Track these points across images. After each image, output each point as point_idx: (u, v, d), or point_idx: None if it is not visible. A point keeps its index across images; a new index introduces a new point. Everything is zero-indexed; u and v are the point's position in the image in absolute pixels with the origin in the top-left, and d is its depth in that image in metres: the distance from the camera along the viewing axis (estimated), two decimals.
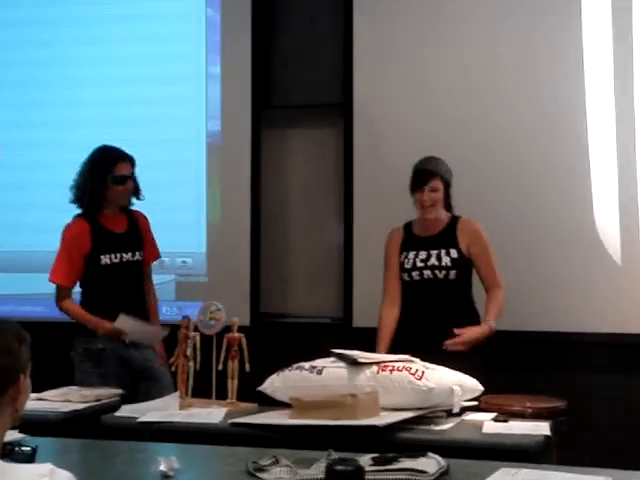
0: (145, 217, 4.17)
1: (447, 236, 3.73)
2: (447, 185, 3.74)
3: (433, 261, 3.70)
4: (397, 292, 3.78)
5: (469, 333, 3.60)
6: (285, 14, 4.97)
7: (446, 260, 3.69)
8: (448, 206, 3.80)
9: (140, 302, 4.06)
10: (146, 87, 4.94)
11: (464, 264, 3.70)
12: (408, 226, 3.84)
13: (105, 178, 3.95)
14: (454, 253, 3.69)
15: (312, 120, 4.99)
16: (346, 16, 4.76)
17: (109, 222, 4.02)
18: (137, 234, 4.10)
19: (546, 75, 4.46)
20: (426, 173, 3.70)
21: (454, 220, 3.76)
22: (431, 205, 3.70)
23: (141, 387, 3.87)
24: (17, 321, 1.82)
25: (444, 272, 3.68)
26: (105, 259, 3.96)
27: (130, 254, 4.02)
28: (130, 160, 4.01)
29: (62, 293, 4.00)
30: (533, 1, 4.49)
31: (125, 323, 3.83)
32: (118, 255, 3.99)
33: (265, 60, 4.95)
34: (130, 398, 3.52)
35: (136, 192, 4.08)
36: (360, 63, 4.72)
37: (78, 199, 4.00)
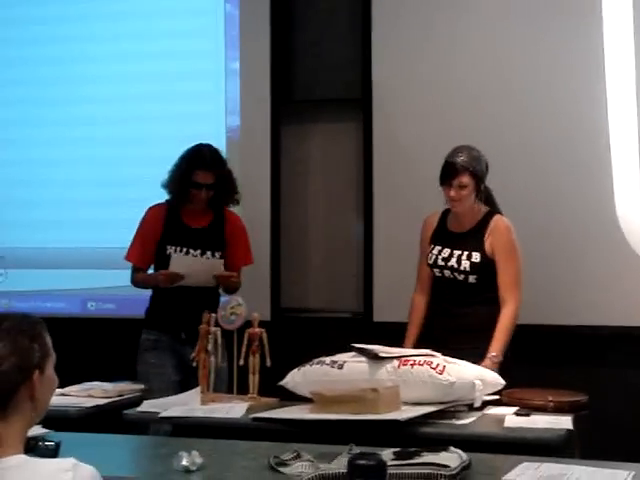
0: (239, 220, 4.12)
1: (474, 236, 3.60)
2: (479, 179, 3.57)
3: (453, 262, 3.59)
4: (428, 279, 3.72)
5: None
6: (304, 9, 4.96)
7: (465, 265, 3.56)
8: (488, 198, 3.66)
9: (205, 302, 3.79)
10: (165, 83, 4.95)
11: (488, 268, 3.56)
12: (444, 214, 3.71)
13: (185, 179, 3.95)
14: (476, 257, 3.56)
15: (331, 115, 4.99)
16: (365, 10, 4.75)
17: (188, 215, 4.01)
18: (218, 234, 4.02)
19: (569, 70, 4.44)
20: (454, 168, 3.54)
21: (488, 217, 3.62)
22: (459, 200, 3.57)
23: (192, 384, 3.63)
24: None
25: (463, 276, 3.58)
26: (170, 250, 3.94)
27: (199, 251, 3.97)
28: (212, 168, 3.95)
29: (133, 272, 4.06)
30: (556, 1, 4.47)
31: (179, 263, 3.84)
32: (184, 249, 3.96)
33: (284, 55, 4.95)
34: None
35: (221, 200, 4.03)
36: (379, 57, 4.71)
37: (167, 187, 4.02)
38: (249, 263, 4.17)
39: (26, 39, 5.18)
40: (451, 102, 4.60)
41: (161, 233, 3.97)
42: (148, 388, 3.62)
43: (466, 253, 3.58)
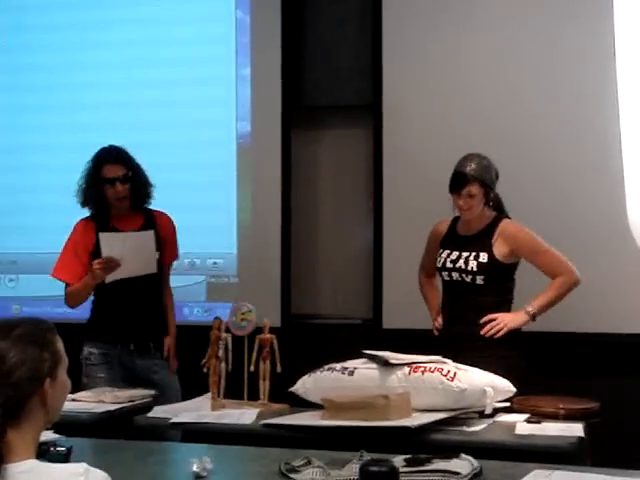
0: (168, 218, 4.05)
1: (482, 238, 3.62)
2: (488, 188, 3.60)
3: (461, 264, 3.60)
4: (432, 268, 3.77)
5: (502, 318, 3.54)
6: (314, 15, 4.98)
7: (473, 264, 3.57)
8: (497, 204, 3.68)
9: (153, 302, 3.93)
10: (176, 89, 4.97)
11: (496, 269, 3.57)
12: (455, 220, 3.74)
13: (98, 180, 3.87)
14: (484, 257, 3.57)
15: (342, 121, 4.99)
16: (375, 16, 4.76)
17: (119, 222, 3.92)
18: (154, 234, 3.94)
19: (580, 75, 4.45)
20: (463, 177, 3.57)
21: (496, 221, 3.64)
22: (468, 209, 3.60)
23: None
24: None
25: (470, 277, 3.58)
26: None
27: None
28: (119, 160, 3.88)
29: (66, 289, 3.91)
30: (565, 7, 4.47)
31: (110, 243, 3.72)
32: None
33: (295, 61, 4.96)
34: None
35: (141, 191, 3.94)
36: (389, 64, 4.72)
37: (84, 203, 3.94)
38: (176, 259, 4.11)
39: (37, 46, 5.20)
40: (462, 108, 4.60)
41: (94, 244, 3.85)
42: None
43: (474, 254, 3.59)
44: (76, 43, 5.13)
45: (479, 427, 2.89)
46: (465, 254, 3.61)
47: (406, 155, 4.69)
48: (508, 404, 3.06)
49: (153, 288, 3.94)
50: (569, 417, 2.97)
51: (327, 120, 5.03)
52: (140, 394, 3.52)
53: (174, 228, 4.07)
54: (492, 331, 3.52)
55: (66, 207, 5.04)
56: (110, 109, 5.04)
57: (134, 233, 3.86)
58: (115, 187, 3.85)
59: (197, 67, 4.95)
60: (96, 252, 3.83)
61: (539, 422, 2.91)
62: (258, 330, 3.34)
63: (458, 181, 3.58)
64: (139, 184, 3.94)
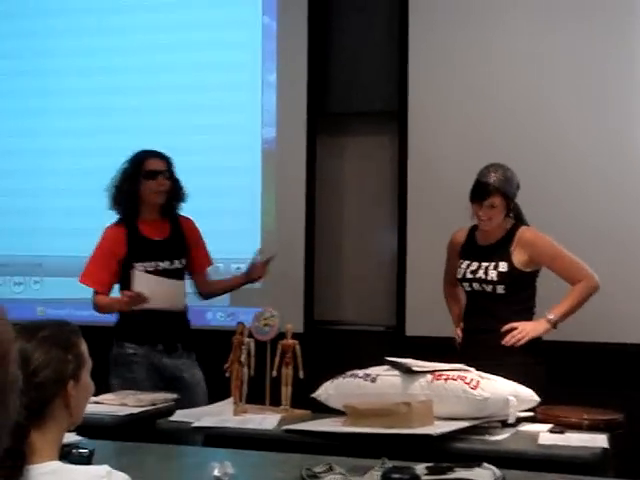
0: (193, 223, 4.06)
1: (501, 247, 3.61)
2: (509, 199, 3.58)
3: (481, 274, 3.59)
4: (455, 280, 3.75)
5: (522, 326, 3.52)
6: (341, 22, 4.98)
7: (492, 274, 3.56)
8: (516, 214, 3.66)
9: (180, 311, 3.97)
10: (202, 94, 4.99)
11: (517, 278, 3.56)
12: (473, 229, 3.72)
13: (137, 176, 3.89)
14: (503, 267, 3.55)
15: (367, 127, 4.99)
16: (402, 23, 4.76)
17: (148, 228, 3.94)
18: (180, 242, 3.99)
19: (606, 82, 4.42)
20: (485, 188, 3.54)
21: (513, 229, 3.63)
22: (488, 219, 3.58)
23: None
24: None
25: (491, 286, 3.57)
26: (140, 267, 3.86)
27: (168, 262, 3.91)
28: (162, 157, 3.94)
29: (94, 296, 3.94)
30: (592, 14, 4.45)
31: (143, 281, 3.78)
32: (153, 263, 3.89)
33: (321, 68, 4.96)
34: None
35: (177, 194, 3.97)
36: (415, 71, 4.71)
37: (115, 203, 3.94)
38: (210, 265, 4.15)
39: (58, 50, 5.24)
40: (487, 115, 4.59)
41: (125, 252, 3.89)
42: None
43: (493, 264, 3.58)
44: (102, 48, 5.16)
45: (502, 436, 2.87)
46: (485, 264, 3.60)
47: (431, 162, 4.68)
48: (531, 414, 3.04)
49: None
50: (593, 428, 2.94)
51: (352, 126, 5.03)
52: (163, 398, 3.53)
53: (199, 232, 4.09)
54: (513, 340, 3.51)
55: (92, 210, 5.09)
56: (137, 113, 5.08)
57: (167, 280, 3.89)
58: (157, 180, 3.89)
59: (223, 73, 4.97)
60: (126, 260, 3.88)
61: (562, 432, 2.89)
62: (281, 335, 3.34)
63: (480, 191, 3.56)
64: (176, 188, 3.98)
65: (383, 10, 4.92)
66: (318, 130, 4.93)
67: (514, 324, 3.53)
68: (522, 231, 3.62)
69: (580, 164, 4.45)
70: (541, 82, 4.52)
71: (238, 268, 4.93)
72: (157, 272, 3.89)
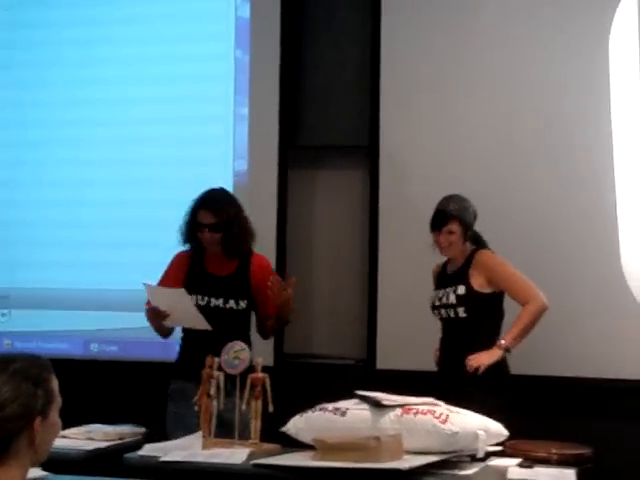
0: (264, 262, 3.93)
1: (460, 272, 3.77)
2: (466, 225, 3.75)
3: (444, 300, 3.75)
4: None
5: (478, 358, 3.57)
6: (313, 56, 5.01)
7: (452, 298, 3.72)
8: (476, 240, 3.80)
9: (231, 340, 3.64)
10: (174, 127, 4.98)
11: (477, 301, 3.69)
12: (447, 261, 3.87)
13: (191, 222, 3.85)
14: (461, 290, 3.71)
15: (338, 161, 5.01)
16: (373, 58, 4.80)
17: (212, 263, 3.86)
18: (241, 281, 3.84)
19: (576, 111, 4.46)
20: (442, 216, 3.74)
21: (472, 253, 3.78)
22: (447, 246, 3.74)
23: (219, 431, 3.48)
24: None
25: (452, 310, 3.72)
26: (194, 299, 3.77)
27: (221, 300, 3.80)
28: (212, 209, 3.81)
29: None
30: (563, 31, 4.49)
31: (154, 294, 3.71)
32: (206, 298, 3.80)
33: (293, 101, 4.99)
34: None
35: (235, 236, 3.82)
36: (387, 106, 4.74)
37: (182, 241, 3.90)
38: (271, 314, 3.89)
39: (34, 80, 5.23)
40: (458, 152, 4.63)
41: (183, 280, 3.84)
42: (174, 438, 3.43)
43: (452, 288, 3.74)
44: (79, 79, 5.14)
45: (471, 471, 2.87)
46: (448, 289, 3.76)
47: (402, 197, 4.70)
48: (500, 448, 3.04)
49: (225, 335, 3.62)
50: (562, 462, 2.96)
51: (323, 160, 5.05)
52: (131, 431, 3.49)
53: (269, 272, 3.91)
54: (471, 370, 3.55)
55: (57, 242, 5.07)
56: (107, 144, 5.06)
57: (168, 289, 3.79)
58: (204, 233, 3.81)
59: (196, 105, 4.97)
60: (186, 286, 3.77)
61: (531, 467, 2.89)
62: (250, 369, 3.33)
63: (439, 219, 3.75)
64: (233, 233, 3.83)
65: (355, 45, 4.96)
66: (290, 163, 4.94)
67: (470, 357, 3.57)
68: (479, 254, 3.77)
69: (550, 204, 4.48)
70: (513, 120, 4.56)
71: None
72: (207, 308, 3.77)
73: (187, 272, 3.87)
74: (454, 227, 3.73)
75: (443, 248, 3.76)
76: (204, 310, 3.76)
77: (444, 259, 3.86)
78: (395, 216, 4.70)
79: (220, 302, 3.82)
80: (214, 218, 3.81)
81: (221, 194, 3.95)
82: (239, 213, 3.90)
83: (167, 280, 3.90)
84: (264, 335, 4.00)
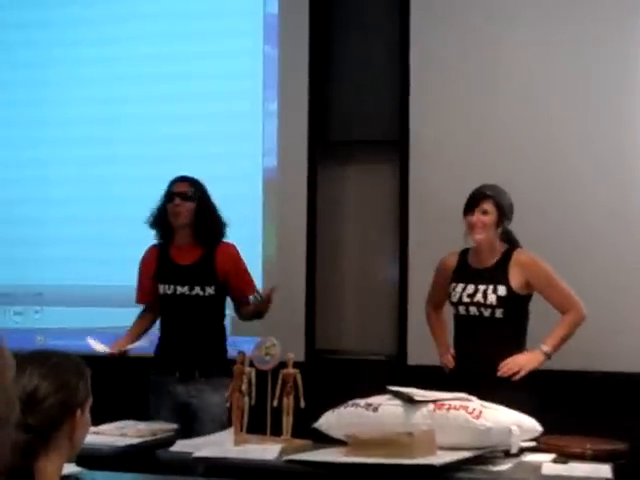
0: (231, 250, 3.96)
1: (498, 270, 3.59)
2: (502, 212, 3.59)
3: (479, 298, 3.57)
4: (441, 303, 3.80)
5: (517, 360, 3.50)
6: (342, 50, 5.00)
7: (492, 298, 3.54)
8: (509, 239, 3.67)
9: (198, 338, 3.89)
10: (204, 124, 4.99)
11: (514, 302, 3.55)
12: (464, 253, 3.71)
13: (164, 202, 3.93)
14: (502, 290, 3.54)
15: (368, 156, 5.00)
16: (403, 52, 4.78)
17: (177, 253, 3.95)
18: (207, 269, 3.91)
19: (608, 110, 4.42)
20: (479, 195, 3.60)
21: (508, 252, 3.62)
22: (481, 227, 3.58)
23: (185, 423, 3.75)
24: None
25: (490, 310, 3.55)
26: (162, 288, 3.93)
27: (187, 287, 3.88)
28: (186, 180, 3.93)
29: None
30: (595, 32, 4.46)
31: (99, 347, 3.87)
32: (172, 287, 3.90)
33: (322, 97, 4.98)
34: (186, 433, 3.53)
35: (206, 219, 3.91)
36: (416, 100, 4.73)
37: (150, 222, 3.98)
38: (248, 294, 3.98)
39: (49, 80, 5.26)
40: (489, 145, 4.60)
41: (154, 271, 3.96)
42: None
43: (491, 287, 3.56)
44: (107, 77, 5.17)
45: (505, 466, 2.85)
46: (482, 287, 3.58)
47: (432, 190, 4.68)
48: (534, 443, 3.02)
49: (194, 321, 3.91)
50: (597, 458, 2.93)
51: (353, 155, 5.03)
52: (163, 428, 3.51)
53: (235, 257, 3.98)
54: (509, 372, 3.48)
55: (93, 239, 5.10)
56: (138, 143, 5.08)
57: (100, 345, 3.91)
58: (174, 202, 3.88)
59: (224, 102, 4.98)
60: (156, 277, 3.95)
61: (566, 462, 2.87)
62: (282, 365, 3.33)
63: (473, 199, 3.62)
64: (205, 214, 3.92)
65: (385, 38, 4.94)
66: (319, 158, 4.93)
67: (508, 360, 3.49)
68: (518, 253, 3.62)
69: (583, 193, 4.45)
70: (546, 110, 4.53)
71: None
72: (174, 296, 3.90)
73: (157, 263, 3.97)
74: (489, 207, 3.56)
75: (476, 230, 3.56)
76: (171, 299, 3.90)
77: (454, 250, 3.72)
78: (426, 210, 4.68)
79: (186, 289, 3.90)
80: (188, 187, 3.91)
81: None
82: (210, 198, 3.99)
83: (142, 278, 4.02)
84: (241, 317, 4.08)
